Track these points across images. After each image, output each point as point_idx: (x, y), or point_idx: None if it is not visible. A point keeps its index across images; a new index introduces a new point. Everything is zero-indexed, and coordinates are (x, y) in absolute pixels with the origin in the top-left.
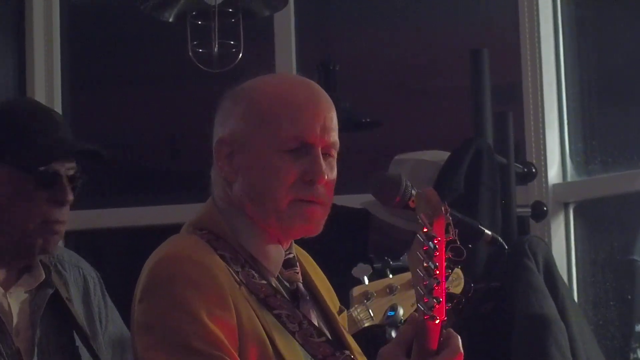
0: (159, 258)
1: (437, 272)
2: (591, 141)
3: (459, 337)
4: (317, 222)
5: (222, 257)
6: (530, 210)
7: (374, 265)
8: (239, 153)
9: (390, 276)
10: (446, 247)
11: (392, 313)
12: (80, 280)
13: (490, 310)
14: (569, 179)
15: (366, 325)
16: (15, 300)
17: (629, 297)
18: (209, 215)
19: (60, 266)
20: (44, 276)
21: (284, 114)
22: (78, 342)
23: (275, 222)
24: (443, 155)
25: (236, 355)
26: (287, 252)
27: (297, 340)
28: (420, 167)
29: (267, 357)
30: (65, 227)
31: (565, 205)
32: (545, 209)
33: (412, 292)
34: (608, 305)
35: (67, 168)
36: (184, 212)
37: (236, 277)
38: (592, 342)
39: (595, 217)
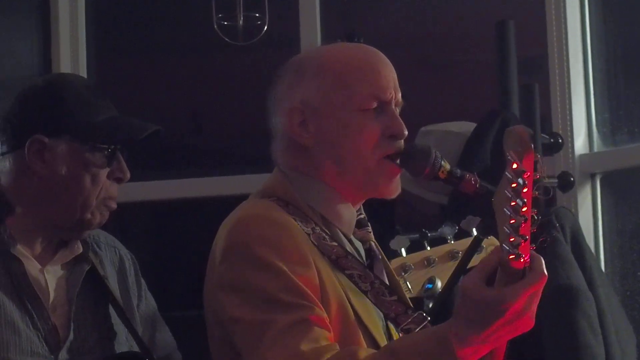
0: (236, 219)
1: (524, 209)
2: (617, 111)
3: (542, 259)
4: (398, 183)
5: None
6: (557, 181)
7: (411, 237)
8: (315, 118)
9: (428, 248)
10: (533, 185)
11: (430, 285)
12: (116, 260)
13: None
14: (595, 149)
15: None
16: (53, 277)
17: None
18: (276, 183)
19: (97, 246)
20: (81, 249)
21: (359, 75)
22: (114, 319)
23: (362, 181)
24: (469, 127)
25: (322, 307)
26: (358, 213)
27: (370, 299)
28: (446, 139)
29: (347, 314)
30: None
31: (592, 176)
32: (572, 179)
33: (450, 264)
34: (635, 275)
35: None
36: (205, 186)
37: (309, 238)
38: (620, 312)
39: (622, 188)
